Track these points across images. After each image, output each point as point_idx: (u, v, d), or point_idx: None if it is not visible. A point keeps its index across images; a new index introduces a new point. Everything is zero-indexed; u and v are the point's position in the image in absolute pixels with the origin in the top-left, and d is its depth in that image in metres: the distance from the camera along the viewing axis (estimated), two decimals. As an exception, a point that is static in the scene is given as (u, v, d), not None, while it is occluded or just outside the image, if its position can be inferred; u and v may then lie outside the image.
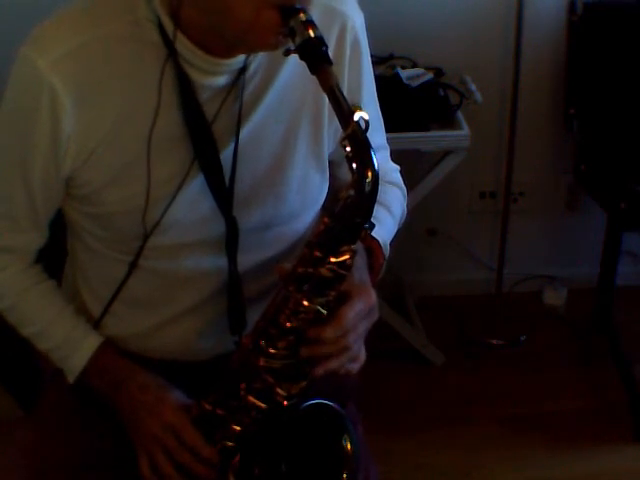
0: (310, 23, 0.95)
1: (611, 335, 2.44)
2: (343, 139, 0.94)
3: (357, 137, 0.94)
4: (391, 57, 2.31)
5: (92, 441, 1.21)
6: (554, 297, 2.67)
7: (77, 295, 1.26)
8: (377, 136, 1.26)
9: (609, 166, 2.34)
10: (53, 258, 1.26)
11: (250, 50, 1.06)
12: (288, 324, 1.03)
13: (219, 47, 1.04)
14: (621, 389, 2.32)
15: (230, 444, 1.11)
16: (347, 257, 1.00)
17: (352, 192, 0.96)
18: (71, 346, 1.19)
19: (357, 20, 1.17)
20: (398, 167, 1.33)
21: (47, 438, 1.24)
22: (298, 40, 0.95)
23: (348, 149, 0.94)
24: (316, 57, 0.96)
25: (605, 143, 2.37)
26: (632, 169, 2.24)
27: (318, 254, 1.00)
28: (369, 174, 0.94)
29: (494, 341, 2.57)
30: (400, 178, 1.32)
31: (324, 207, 1.22)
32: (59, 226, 1.22)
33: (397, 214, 1.26)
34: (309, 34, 0.95)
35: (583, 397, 2.36)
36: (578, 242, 2.73)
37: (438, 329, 2.58)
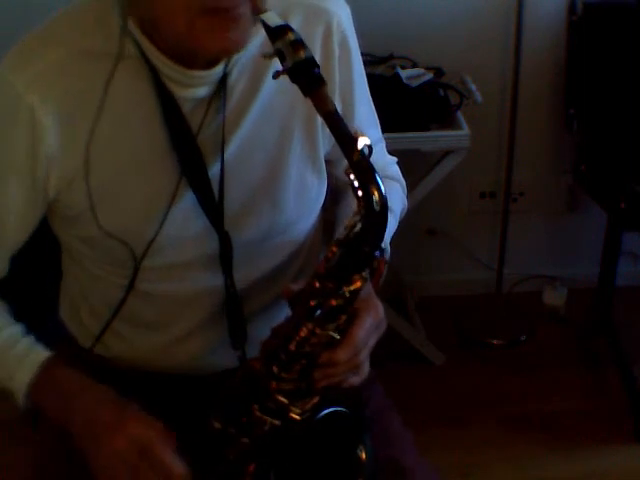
0: (299, 43, 0.92)
1: (611, 335, 2.44)
2: (348, 168, 0.92)
3: (362, 166, 0.91)
4: (391, 57, 2.31)
5: None
6: (554, 297, 2.66)
7: (77, 315, 1.25)
8: (373, 131, 1.25)
9: (609, 166, 2.34)
10: (50, 276, 1.25)
11: (210, 56, 1.02)
12: (300, 351, 1.02)
13: (194, 58, 1.02)
14: (621, 389, 2.31)
15: (244, 453, 1.08)
16: (359, 284, 0.99)
17: (360, 221, 0.94)
18: (14, 364, 1.10)
19: (343, 15, 1.14)
20: (395, 158, 1.31)
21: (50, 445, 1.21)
22: (288, 63, 0.92)
23: (352, 177, 0.92)
24: (309, 79, 0.93)
25: (605, 143, 2.37)
26: (632, 169, 2.24)
27: (330, 286, 0.99)
28: (377, 203, 0.92)
29: (494, 341, 2.57)
30: (398, 170, 1.31)
31: (328, 233, 1.19)
32: (54, 245, 1.20)
33: (397, 210, 1.25)
34: (299, 56, 0.92)
35: (583, 397, 2.36)
36: (578, 242, 2.73)
37: (438, 329, 2.58)
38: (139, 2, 0.97)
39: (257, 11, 0.96)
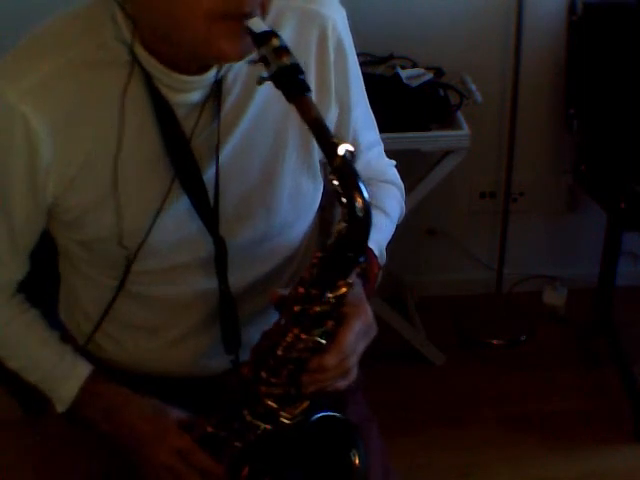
0: (283, 49, 0.91)
1: (611, 335, 2.44)
2: (330, 173, 0.91)
3: (344, 172, 0.90)
4: (391, 57, 2.31)
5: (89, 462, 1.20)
6: (554, 297, 2.66)
7: (73, 315, 1.25)
8: (370, 133, 1.25)
9: (609, 166, 2.34)
10: (48, 280, 1.24)
11: (220, 61, 1.02)
12: (287, 356, 1.02)
13: (188, 64, 1.02)
14: (621, 389, 2.31)
15: (238, 457, 1.09)
16: (344, 290, 0.99)
17: (344, 226, 0.93)
18: (60, 376, 1.16)
19: (338, 19, 1.13)
20: (394, 162, 1.31)
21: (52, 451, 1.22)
22: (272, 68, 0.91)
23: (336, 182, 0.91)
24: (293, 86, 0.91)
25: (605, 143, 2.37)
26: (632, 169, 2.24)
27: (315, 292, 0.98)
28: (361, 210, 0.91)
29: (494, 341, 2.57)
30: (397, 174, 1.30)
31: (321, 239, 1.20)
32: (52, 248, 1.20)
33: (394, 215, 1.25)
34: (283, 62, 0.90)
35: (583, 397, 2.36)
36: (578, 242, 2.73)
37: (438, 329, 2.58)
38: (151, 11, 0.95)
39: (265, 14, 0.96)
